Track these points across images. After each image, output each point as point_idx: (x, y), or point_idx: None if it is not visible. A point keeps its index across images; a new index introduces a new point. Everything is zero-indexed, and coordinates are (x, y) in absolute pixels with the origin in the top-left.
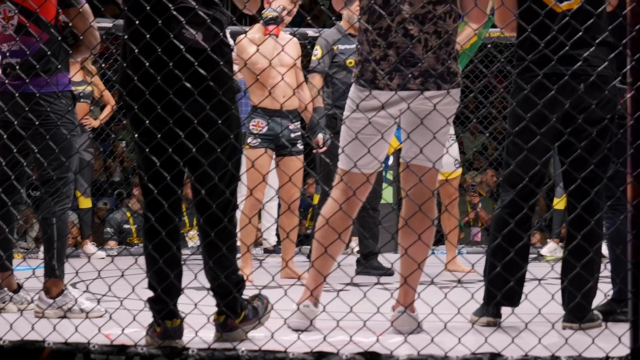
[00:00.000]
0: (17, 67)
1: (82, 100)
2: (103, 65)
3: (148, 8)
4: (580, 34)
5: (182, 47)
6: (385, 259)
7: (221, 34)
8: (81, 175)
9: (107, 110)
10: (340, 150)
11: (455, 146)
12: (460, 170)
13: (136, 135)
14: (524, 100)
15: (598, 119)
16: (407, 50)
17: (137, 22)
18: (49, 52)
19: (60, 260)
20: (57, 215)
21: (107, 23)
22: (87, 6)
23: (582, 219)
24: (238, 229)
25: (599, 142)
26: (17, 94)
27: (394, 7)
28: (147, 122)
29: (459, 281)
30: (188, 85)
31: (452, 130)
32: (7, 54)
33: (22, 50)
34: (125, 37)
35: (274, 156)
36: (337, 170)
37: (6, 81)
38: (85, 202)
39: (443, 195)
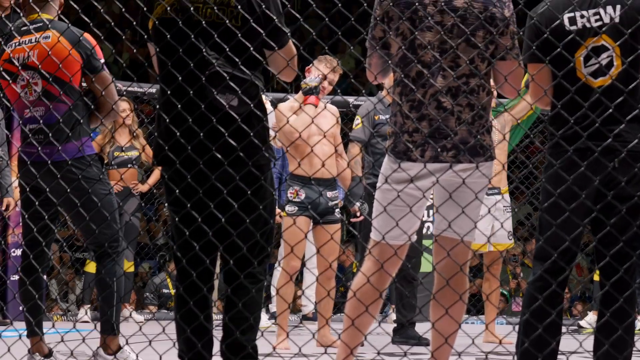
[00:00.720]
0: (50, 134)
1: (130, 165)
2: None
3: (179, 74)
4: (613, 110)
5: (211, 115)
6: (422, 329)
7: (256, 99)
8: (127, 240)
9: (155, 175)
10: (374, 223)
11: (510, 219)
12: (512, 243)
13: (168, 204)
14: (557, 175)
15: (629, 195)
16: (439, 122)
17: (169, 91)
18: (79, 118)
19: (118, 318)
20: (117, 275)
21: (155, 88)
22: (107, 71)
23: (613, 296)
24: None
25: (630, 219)
26: (49, 162)
27: (426, 79)
28: (177, 191)
29: (486, 356)
30: (218, 155)
31: (507, 202)
32: (32, 120)
33: (48, 115)
34: (160, 103)
35: (311, 224)
36: (369, 241)
37: (39, 149)
38: (128, 267)
39: (486, 266)
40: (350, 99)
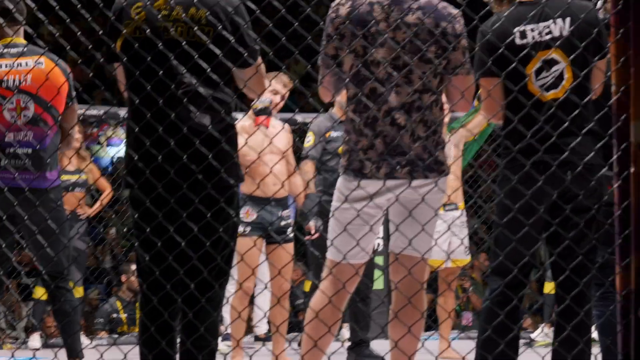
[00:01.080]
0: (29, 160)
1: (76, 189)
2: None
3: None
4: (568, 124)
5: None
6: (377, 346)
7: (228, 118)
8: (75, 265)
9: (106, 197)
10: (328, 242)
11: (467, 235)
12: (469, 258)
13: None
14: (512, 189)
15: (585, 208)
16: (394, 139)
17: (137, 101)
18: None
19: (80, 343)
20: (74, 303)
21: (97, 110)
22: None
23: (571, 309)
24: (229, 320)
25: (587, 232)
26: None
27: (380, 96)
28: (146, 203)
29: None
30: (193, 167)
31: (463, 217)
32: (16, 144)
33: (36, 142)
34: (129, 120)
35: (264, 244)
36: (325, 261)
37: (16, 175)
38: (77, 292)
39: (441, 283)
40: (299, 117)
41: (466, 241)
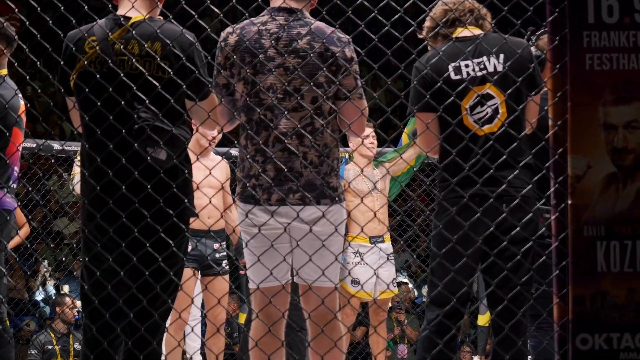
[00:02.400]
0: None
1: None
2: (26, 184)
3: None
4: (504, 157)
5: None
6: None
7: (184, 152)
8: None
9: (24, 230)
10: (248, 271)
11: (392, 267)
12: (396, 290)
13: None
14: (449, 221)
15: (521, 239)
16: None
17: (91, 143)
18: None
19: None
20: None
21: (30, 143)
22: None
23: (507, 338)
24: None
25: (523, 262)
26: None
27: (271, 122)
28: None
29: None
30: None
31: (390, 250)
32: None
33: None
34: (83, 154)
35: (199, 276)
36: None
37: None
38: None
39: (371, 315)
40: (233, 151)
41: (392, 273)
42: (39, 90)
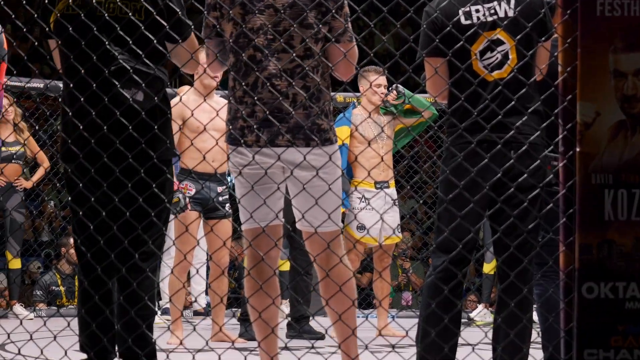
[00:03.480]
0: None
1: (14, 161)
2: (34, 124)
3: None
4: (512, 103)
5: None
6: (318, 323)
7: (161, 93)
8: (13, 237)
9: (40, 172)
10: (240, 212)
11: (397, 213)
12: (400, 236)
13: (71, 199)
14: (456, 167)
15: (528, 186)
16: (274, 105)
17: (72, 86)
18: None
19: None
20: None
21: (38, 83)
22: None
23: (513, 286)
24: (169, 292)
25: (530, 210)
26: None
27: (259, 63)
28: (81, 185)
29: (393, 347)
30: (122, 148)
31: (395, 195)
32: None
33: None
34: (64, 97)
35: (202, 218)
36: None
37: None
38: (15, 263)
39: (376, 261)
40: None
41: (397, 219)
42: (47, 30)
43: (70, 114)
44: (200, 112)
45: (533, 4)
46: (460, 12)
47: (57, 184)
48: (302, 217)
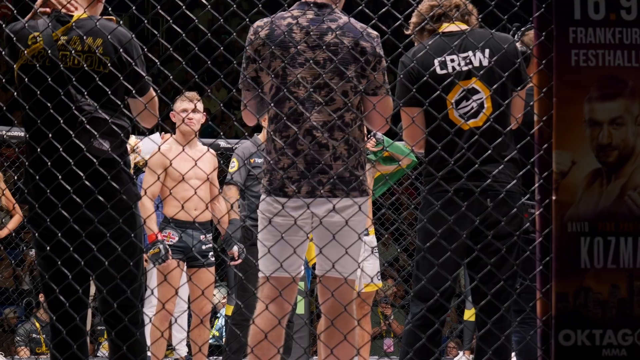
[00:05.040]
0: None
1: None
2: (13, 174)
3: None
4: (489, 151)
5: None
6: None
7: (126, 142)
8: None
9: (15, 220)
10: (261, 260)
11: (376, 261)
12: (380, 284)
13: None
14: (433, 215)
15: (505, 234)
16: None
17: (28, 136)
18: None
19: None
20: None
21: (18, 132)
22: None
23: (491, 333)
24: (149, 341)
25: (507, 257)
26: None
27: (300, 115)
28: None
29: None
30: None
31: (374, 243)
32: None
33: None
34: (28, 142)
35: (185, 268)
36: (258, 281)
37: None
38: None
39: (357, 307)
40: (222, 142)
41: (377, 267)
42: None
43: (28, 164)
44: (182, 161)
45: (508, 54)
46: (436, 61)
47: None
48: (333, 264)
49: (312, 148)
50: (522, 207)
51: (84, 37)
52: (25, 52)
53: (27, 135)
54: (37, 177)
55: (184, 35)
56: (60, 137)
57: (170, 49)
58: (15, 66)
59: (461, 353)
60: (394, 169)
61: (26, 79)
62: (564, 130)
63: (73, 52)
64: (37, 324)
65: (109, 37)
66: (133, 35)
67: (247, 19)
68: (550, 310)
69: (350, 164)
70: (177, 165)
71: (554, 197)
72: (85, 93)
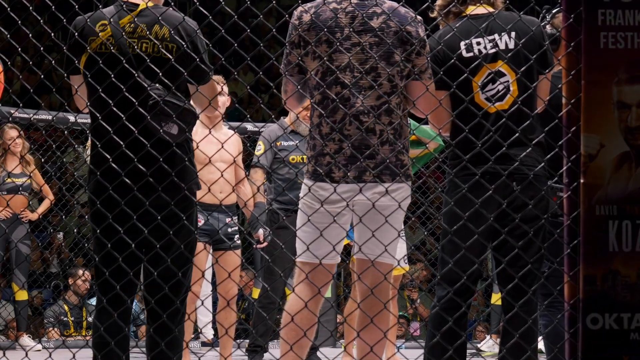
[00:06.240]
0: None
1: (20, 192)
2: (41, 157)
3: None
4: (516, 134)
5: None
6: (323, 354)
7: (193, 126)
8: (18, 268)
9: (45, 204)
10: (298, 245)
11: (404, 244)
12: (407, 267)
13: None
14: (459, 199)
15: (531, 217)
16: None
17: (100, 116)
18: None
19: None
20: None
21: (45, 115)
22: None
23: (518, 316)
24: None
25: (533, 240)
26: None
27: (347, 100)
28: (110, 216)
29: None
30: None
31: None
32: None
33: None
34: (93, 129)
35: (211, 251)
36: (296, 265)
37: None
38: (22, 295)
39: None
40: (248, 126)
41: (403, 250)
42: (53, 63)
43: (99, 146)
44: (208, 144)
45: (534, 36)
46: (462, 44)
47: (64, 217)
48: (359, 247)
49: (359, 133)
50: (551, 190)
51: (151, 25)
52: (95, 39)
53: (96, 126)
54: (110, 161)
55: (210, 17)
56: (130, 121)
57: (197, 30)
58: (84, 54)
59: (488, 337)
60: (421, 153)
61: (100, 62)
62: (592, 113)
63: (140, 39)
64: (66, 307)
65: (177, 26)
66: (198, 29)
67: (274, 2)
68: (578, 294)
69: (396, 149)
70: (203, 148)
71: (582, 180)
72: (157, 78)
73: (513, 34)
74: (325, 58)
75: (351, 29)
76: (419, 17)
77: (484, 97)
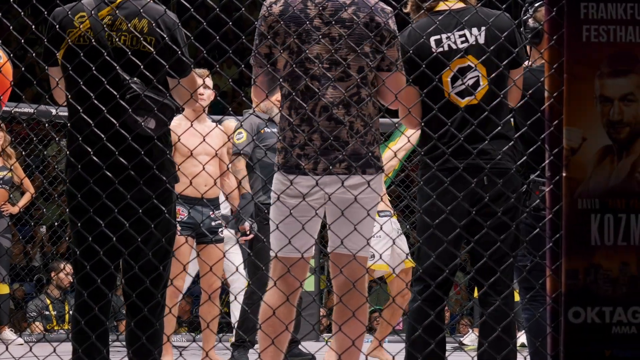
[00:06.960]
0: None
1: (1, 186)
2: (22, 151)
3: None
4: (486, 128)
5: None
6: (304, 348)
7: (171, 121)
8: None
9: (26, 198)
10: (271, 240)
11: (404, 239)
12: (412, 263)
13: (71, 212)
14: (429, 195)
15: (505, 209)
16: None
17: (81, 111)
18: None
19: None
20: None
21: (27, 108)
22: None
23: (494, 310)
24: None
25: (506, 232)
26: None
27: (315, 93)
28: (91, 211)
29: None
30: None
31: (397, 225)
32: None
33: None
34: (72, 125)
35: (194, 244)
36: (270, 260)
37: None
38: (3, 288)
39: (395, 288)
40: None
41: (404, 247)
42: (34, 55)
43: (80, 139)
44: (190, 137)
45: (503, 30)
46: (432, 40)
47: (44, 211)
48: (342, 241)
49: (329, 125)
50: (518, 182)
51: (130, 18)
52: (74, 31)
53: (74, 119)
54: (91, 154)
55: (192, 10)
56: (106, 119)
57: (178, 23)
58: (62, 46)
59: (471, 330)
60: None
61: (82, 55)
62: (574, 106)
63: (119, 32)
64: (48, 301)
65: (157, 19)
66: (179, 22)
67: None
68: (560, 288)
69: (367, 141)
70: (185, 141)
71: (564, 174)
72: (137, 72)
73: (483, 27)
74: (294, 49)
75: (321, 20)
76: (388, 9)
77: (453, 92)
